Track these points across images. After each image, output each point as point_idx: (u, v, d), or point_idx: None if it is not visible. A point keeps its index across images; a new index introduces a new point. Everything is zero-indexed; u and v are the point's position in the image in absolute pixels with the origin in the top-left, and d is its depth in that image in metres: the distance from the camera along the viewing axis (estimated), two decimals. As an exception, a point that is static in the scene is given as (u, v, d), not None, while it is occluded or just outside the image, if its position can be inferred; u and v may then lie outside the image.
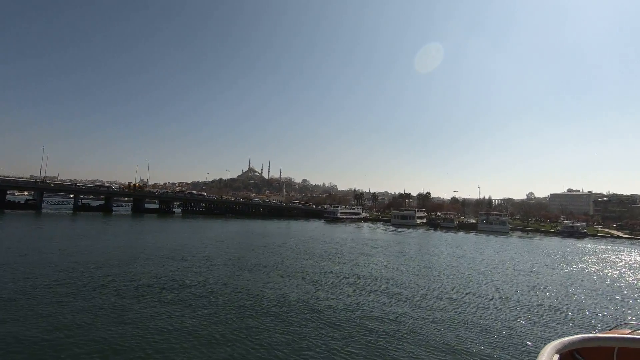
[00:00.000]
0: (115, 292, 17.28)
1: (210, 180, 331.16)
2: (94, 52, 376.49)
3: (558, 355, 2.05)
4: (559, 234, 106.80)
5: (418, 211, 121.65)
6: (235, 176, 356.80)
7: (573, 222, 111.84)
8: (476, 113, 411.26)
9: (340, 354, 12.00)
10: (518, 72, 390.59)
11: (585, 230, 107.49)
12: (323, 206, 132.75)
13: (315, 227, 79.76)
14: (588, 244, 76.75)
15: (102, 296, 16.61)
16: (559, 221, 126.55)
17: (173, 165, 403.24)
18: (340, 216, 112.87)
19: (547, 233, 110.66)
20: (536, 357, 1.94)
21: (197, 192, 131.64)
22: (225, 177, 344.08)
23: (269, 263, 28.30)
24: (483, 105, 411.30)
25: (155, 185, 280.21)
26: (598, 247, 71.41)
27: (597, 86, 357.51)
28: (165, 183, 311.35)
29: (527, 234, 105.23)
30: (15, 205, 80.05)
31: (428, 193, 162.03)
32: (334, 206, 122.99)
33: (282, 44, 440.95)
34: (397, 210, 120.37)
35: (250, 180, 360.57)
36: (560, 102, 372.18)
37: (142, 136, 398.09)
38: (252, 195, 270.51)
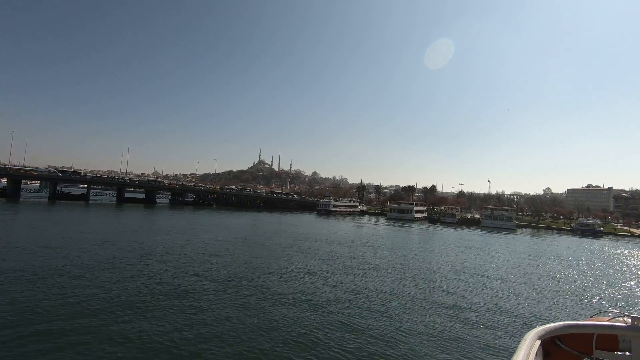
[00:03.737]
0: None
1: (219, 172, 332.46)
2: (110, 30, 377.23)
3: (540, 342, 2.09)
4: (572, 231, 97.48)
5: (418, 205, 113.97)
6: (246, 168, 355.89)
7: (588, 219, 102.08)
8: (490, 106, 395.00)
9: None
10: (533, 62, 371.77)
11: (601, 229, 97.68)
12: (318, 198, 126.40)
13: (299, 221, 73.72)
14: (602, 245, 68.03)
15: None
16: (573, 218, 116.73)
17: (186, 158, 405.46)
18: (333, 209, 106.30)
19: (559, 230, 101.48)
20: (519, 343, 1.97)
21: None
22: (234, 169, 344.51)
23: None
24: (498, 98, 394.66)
25: (166, 177, 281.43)
26: (613, 250, 62.83)
27: (617, 75, 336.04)
28: (176, 174, 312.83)
29: (538, 231, 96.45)
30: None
31: (433, 186, 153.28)
32: (327, 198, 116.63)
33: (291, 38, 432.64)
34: (395, 204, 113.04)
35: (259, 172, 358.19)
36: (579, 93, 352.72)
37: (157, 130, 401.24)
38: (259, 187, 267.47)
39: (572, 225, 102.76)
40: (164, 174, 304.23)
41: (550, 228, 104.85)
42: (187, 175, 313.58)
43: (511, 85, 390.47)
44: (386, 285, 21.29)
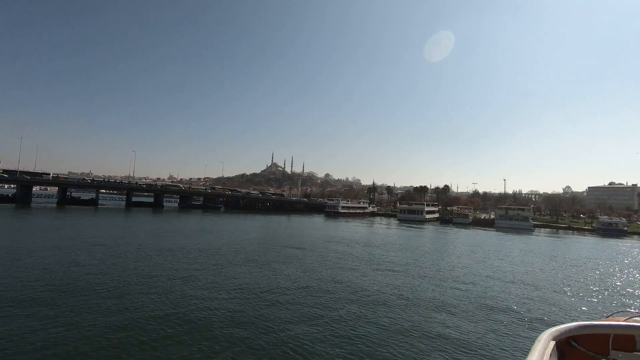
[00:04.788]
0: None
1: (233, 175, 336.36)
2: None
3: (554, 342, 2.05)
4: (594, 231, 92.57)
5: (430, 205, 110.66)
6: (259, 171, 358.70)
7: (611, 218, 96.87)
8: (510, 104, 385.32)
9: None
10: (550, 56, 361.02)
11: (626, 228, 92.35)
12: (325, 200, 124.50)
13: (305, 224, 72.25)
14: (627, 245, 63.78)
15: None
16: (595, 217, 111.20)
17: (202, 162, 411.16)
18: (342, 211, 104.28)
19: (579, 230, 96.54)
20: (533, 344, 1.94)
21: (218, 187, 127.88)
22: (248, 172, 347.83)
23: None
24: (518, 95, 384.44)
25: (181, 181, 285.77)
26: (638, 250, 58.77)
27: (634, 66, 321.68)
28: (190, 178, 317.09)
29: (557, 231, 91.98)
30: (3, 198, 78.78)
31: (446, 186, 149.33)
32: (335, 200, 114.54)
33: (289, 39, 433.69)
34: (406, 204, 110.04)
35: (272, 175, 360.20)
36: (599, 88, 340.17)
37: (173, 136, 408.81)
38: (271, 189, 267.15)
39: (594, 225, 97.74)
40: (178, 179, 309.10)
41: (570, 228, 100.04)
42: (201, 179, 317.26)
43: (529, 84, 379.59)
44: (395, 290, 19.75)
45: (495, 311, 17.21)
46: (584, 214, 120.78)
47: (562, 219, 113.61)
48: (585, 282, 26.45)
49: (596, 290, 23.60)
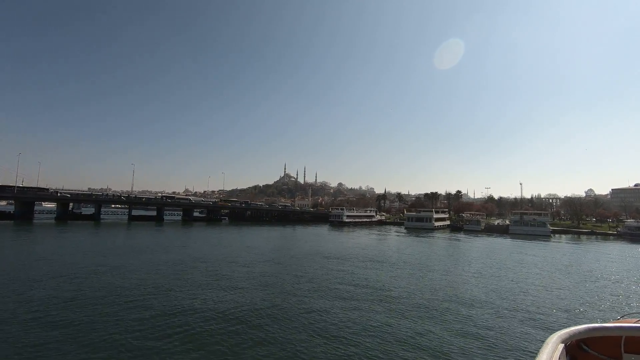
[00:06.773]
0: None
1: (246, 187, 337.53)
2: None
3: (563, 345, 1.98)
4: (620, 236, 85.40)
5: (439, 212, 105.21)
6: (272, 182, 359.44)
7: (638, 221, 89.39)
8: (527, 107, 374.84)
9: None
10: (567, 57, 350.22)
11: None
12: (330, 210, 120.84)
13: (306, 235, 68.85)
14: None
15: None
16: (621, 220, 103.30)
17: (216, 175, 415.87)
18: (347, 220, 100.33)
19: (604, 236, 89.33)
20: (540, 347, 1.87)
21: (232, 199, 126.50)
22: (261, 184, 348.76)
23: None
24: (534, 98, 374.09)
25: (195, 194, 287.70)
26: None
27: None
28: (205, 191, 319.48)
29: (579, 237, 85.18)
30: (3, 215, 78.54)
31: (458, 192, 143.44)
32: (339, 209, 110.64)
33: (301, 45, 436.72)
34: (414, 212, 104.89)
35: (284, 186, 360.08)
36: (619, 88, 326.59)
37: (188, 149, 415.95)
38: (282, 200, 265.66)
39: (620, 229, 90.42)
40: (194, 192, 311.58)
41: (593, 233, 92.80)
42: (216, 192, 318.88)
43: (547, 87, 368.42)
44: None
45: (498, 323, 16.24)
46: (608, 218, 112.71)
47: (584, 224, 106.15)
48: (613, 295, 21.96)
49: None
